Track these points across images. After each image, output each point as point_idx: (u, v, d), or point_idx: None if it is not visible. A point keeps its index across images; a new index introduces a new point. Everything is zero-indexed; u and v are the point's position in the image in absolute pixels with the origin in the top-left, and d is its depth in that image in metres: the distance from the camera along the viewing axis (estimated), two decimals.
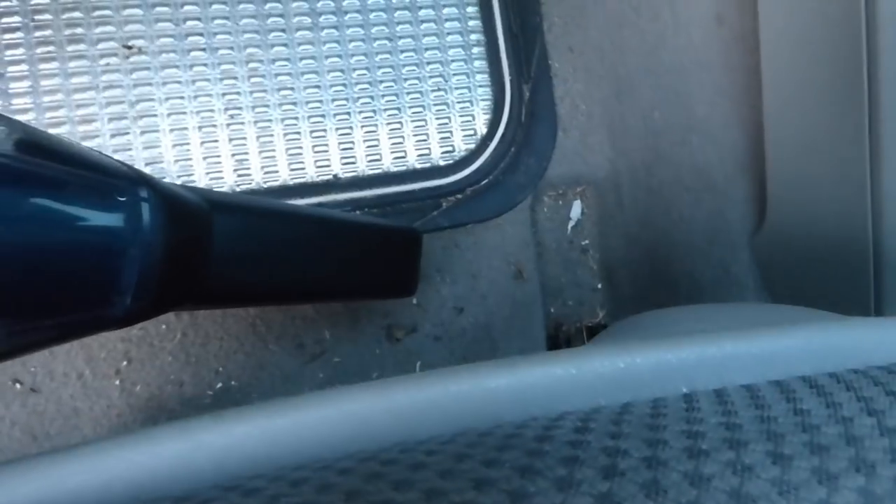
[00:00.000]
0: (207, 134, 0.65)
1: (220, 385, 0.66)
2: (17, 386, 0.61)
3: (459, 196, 0.70)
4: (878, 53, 0.43)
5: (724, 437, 0.16)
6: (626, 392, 0.22)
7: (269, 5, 0.68)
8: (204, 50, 0.66)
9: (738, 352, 0.24)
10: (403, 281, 0.59)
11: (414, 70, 0.71)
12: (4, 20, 0.61)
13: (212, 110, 0.66)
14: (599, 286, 0.74)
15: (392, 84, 0.71)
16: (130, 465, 0.20)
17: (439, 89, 0.72)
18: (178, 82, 0.65)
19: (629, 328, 0.35)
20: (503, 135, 0.71)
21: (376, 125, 0.70)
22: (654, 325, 0.34)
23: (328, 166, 0.68)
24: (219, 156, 0.65)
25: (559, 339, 0.74)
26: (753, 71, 0.55)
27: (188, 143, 0.65)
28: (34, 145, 0.29)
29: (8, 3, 0.61)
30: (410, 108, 0.71)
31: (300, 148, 0.68)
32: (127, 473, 0.20)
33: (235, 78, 0.66)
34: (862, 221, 0.43)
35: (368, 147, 0.70)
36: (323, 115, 0.68)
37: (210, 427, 0.21)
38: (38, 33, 0.62)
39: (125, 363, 0.64)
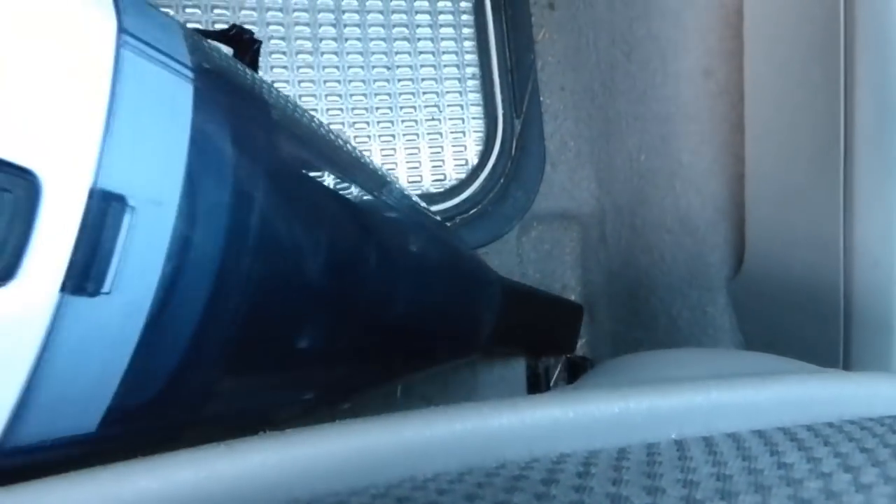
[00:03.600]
0: None
1: None
2: None
3: (448, 224, 0.71)
4: (855, 116, 0.46)
5: (716, 487, 0.18)
6: (621, 436, 0.23)
7: (271, 28, 0.69)
8: None
9: (724, 401, 0.25)
10: (565, 342, 0.74)
11: (410, 98, 0.73)
12: None
13: None
14: None
15: (388, 111, 0.72)
16: (144, 493, 0.21)
17: (433, 119, 0.74)
18: None
19: (616, 370, 0.37)
20: (494, 166, 0.73)
21: (370, 150, 0.71)
22: (642, 368, 0.35)
23: None
24: None
25: (538, 368, 0.76)
26: (737, 124, 0.57)
27: None
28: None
29: None
30: (405, 135, 0.73)
31: None
32: (140, 500, 0.20)
33: None
34: (834, 275, 0.46)
35: None
36: None
37: (224, 456, 0.22)
38: None
39: None
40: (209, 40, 0.35)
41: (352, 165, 0.41)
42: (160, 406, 0.28)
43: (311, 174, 0.37)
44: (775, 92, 0.53)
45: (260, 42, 0.46)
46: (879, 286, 0.45)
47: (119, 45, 0.26)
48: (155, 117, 0.27)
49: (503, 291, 0.58)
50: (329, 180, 0.37)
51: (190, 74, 0.29)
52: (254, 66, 0.44)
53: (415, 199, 0.50)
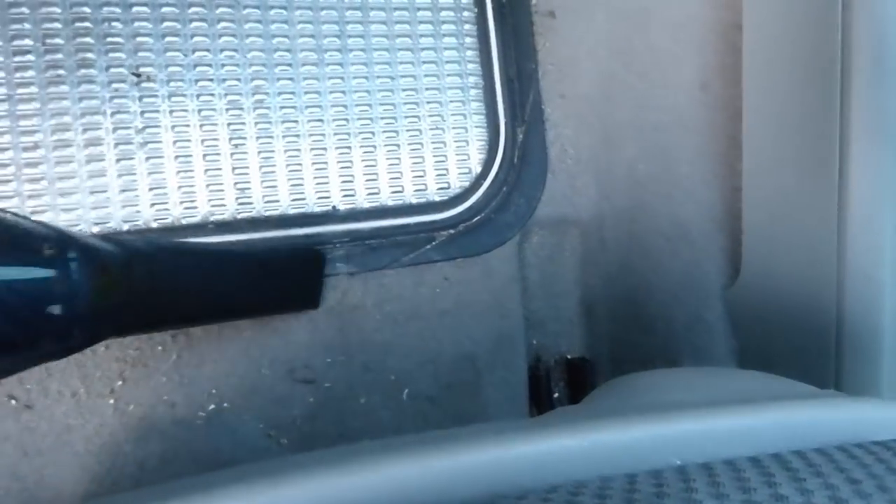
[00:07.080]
0: (211, 162, 0.67)
1: (212, 407, 0.68)
2: (12, 402, 0.62)
3: (452, 231, 0.73)
4: (850, 132, 0.48)
5: None
6: (629, 463, 0.25)
7: (276, 40, 0.70)
8: (211, 80, 0.68)
9: (721, 427, 0.27)
10: (304, 296, 0.68)
11: (413, 108, 0.75)
12: (16, 42, 0.62)
13: (216, 139, 0.67)
14: (579, 322, 0.78)
15: (392, 121, 0.74)
16: None
17: (437, 128, 0.75)
18: (185, 111, 0.67)
19: (622, 391, 0.39)
20: (496, 175, 0.75)
21: (375, 160, 0.72)
22: (646, 390, 0.37)
23: (328, 197, 0.71)
24: (221, 184, 0.67)
25: (539, 370, 0.78)
26: (733, 137, 0.59)
27: (192, 171, 0.66)
28: None
29: (20, 27, 0.62)
30: (409, 144, 0.74)
31: (301, 179, 0.70)
32: None
33: (241, 109, 0.68)
34: (827, 291, 0.48)
35: (367, 181, 0.72)
36: (324, 149, 0.71)
37: (242, 491, 0.23)
38: (48, 57, 0.63)
39: (120, 382, 0.65)
40: None
41: None
42: None
43: None
44: (773, 108, 0.55)
45: None
46: (871, 300, 0.47)
47: None
48: None
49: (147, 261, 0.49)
50: None
51: None
52: None
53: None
